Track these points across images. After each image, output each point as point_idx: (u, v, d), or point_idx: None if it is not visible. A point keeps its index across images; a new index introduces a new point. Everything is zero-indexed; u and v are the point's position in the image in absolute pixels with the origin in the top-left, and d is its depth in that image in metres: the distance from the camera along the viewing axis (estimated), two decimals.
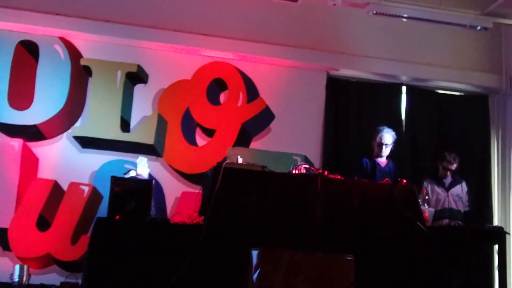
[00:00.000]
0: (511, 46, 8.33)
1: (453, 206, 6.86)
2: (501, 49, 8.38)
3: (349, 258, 4.80)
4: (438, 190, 6.91)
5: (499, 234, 6.20)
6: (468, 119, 8.26)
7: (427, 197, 6.21)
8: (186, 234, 5.37)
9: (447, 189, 6.93)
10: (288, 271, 4.64)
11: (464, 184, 7.06)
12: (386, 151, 6.85)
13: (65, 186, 7.07)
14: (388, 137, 6.84)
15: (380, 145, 6.81)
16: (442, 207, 6.82)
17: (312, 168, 5.85)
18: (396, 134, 7.00)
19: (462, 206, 6.93)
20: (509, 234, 6.67)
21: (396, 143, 6.95)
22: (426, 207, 6.07)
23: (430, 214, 6.16)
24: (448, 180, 6.97)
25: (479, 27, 7.36)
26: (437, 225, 6.51)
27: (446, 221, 6.72)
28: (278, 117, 7.75)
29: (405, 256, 5.53)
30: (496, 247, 6.21)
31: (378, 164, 6.81)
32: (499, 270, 6.10)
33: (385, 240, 5.55)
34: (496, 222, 7.89)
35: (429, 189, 6.90)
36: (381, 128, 6.94)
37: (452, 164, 6.92)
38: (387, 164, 6.86)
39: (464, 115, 8.26)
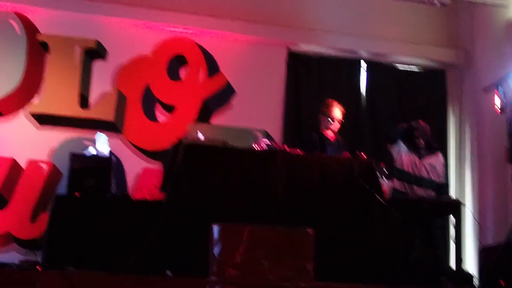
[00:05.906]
0: (468, 22, 8.43)
1: (425, 175, 6.69)
2: (458, 24, 8.49)
3: (309, 231, 4.86)
4: (410, 154, 6.73)
5: (455, 206, 6.33)
6: (426, 94, 8.38)
7: (385, 170, 6.24)
8: (147, 210, 5.35)
9: (420, 157, 6.71)
10: (249, 246, 4.67)
11: (440, 155, 6.85)
12: (336, 126, 6.76)
13: (23, 164, 6.98)
14: (339, 112, 6.74)
15: (332, 120, 6.70)
16: (413, 172, 6.77)
17: (273, 143, 5.86)
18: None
19: (436, 176, 6.80)
20: (464, 205, 6.81)
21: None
22: (385, 180, 6.13)
23: (389, 187, 6.23)
24: (423, 149, 6.72)
25: (437, 3, 7.42)
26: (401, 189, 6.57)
27: (417, 189, 6.70)
28: (239, 93, 7.75)
29: (365, 229, 5.61)
30: (452, 218, 6.36)
31: (327, 138, 6.77)
32: (455, 241, 6.24)
33: (345, 213, 5.61)
34: (452, 194, 8.05)
35: (399, 148, 6.80)
36: (330, 102, 6.78)
37: (418, 138, 6.63)
38: (335, 138, 6.83)
39: (422, 90, 8.38)
